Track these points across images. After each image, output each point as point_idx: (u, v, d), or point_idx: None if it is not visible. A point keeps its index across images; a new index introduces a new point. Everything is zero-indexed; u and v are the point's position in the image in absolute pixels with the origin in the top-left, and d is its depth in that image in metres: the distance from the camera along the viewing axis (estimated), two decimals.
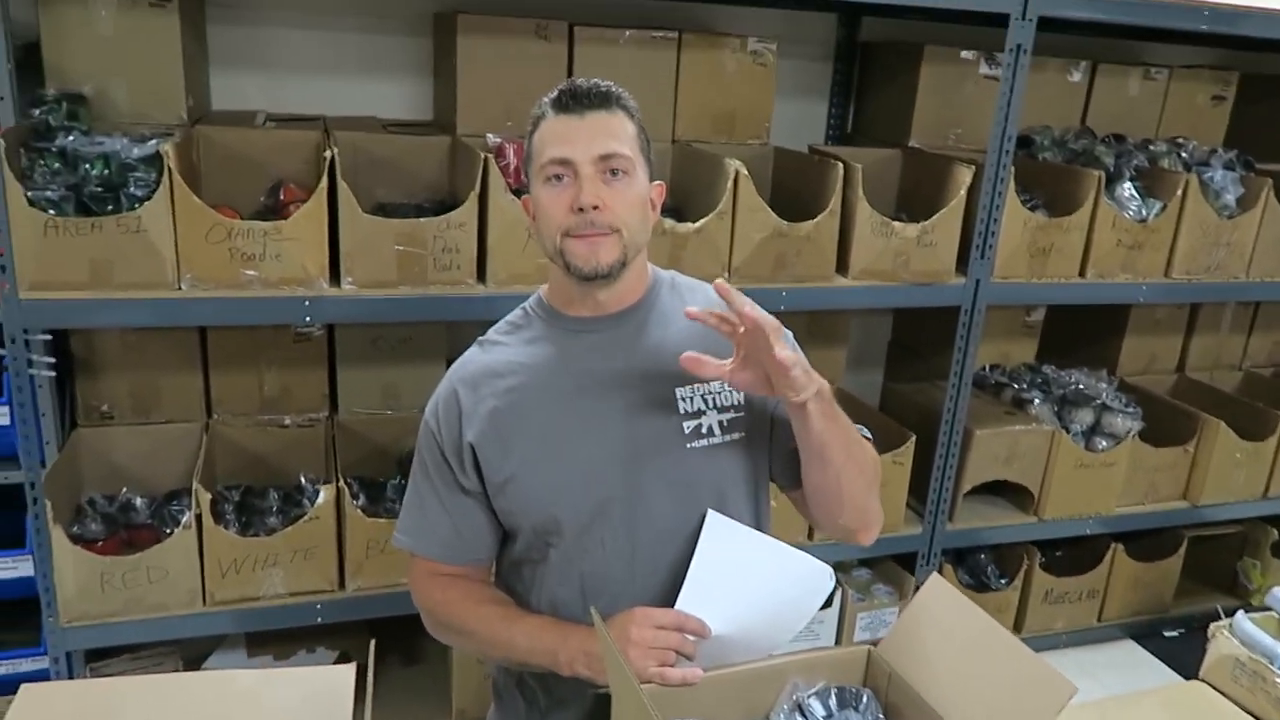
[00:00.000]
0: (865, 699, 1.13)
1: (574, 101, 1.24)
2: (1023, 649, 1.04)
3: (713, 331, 1.33)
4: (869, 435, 1.41)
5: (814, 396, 1.19)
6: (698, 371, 1.22)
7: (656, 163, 1.38)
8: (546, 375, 1.32)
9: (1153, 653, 3.09)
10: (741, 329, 1.17)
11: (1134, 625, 3.16)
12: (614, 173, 1.24)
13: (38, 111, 2.06)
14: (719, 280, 1.19)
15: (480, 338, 1.40)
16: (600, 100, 1.25)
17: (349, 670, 1.03)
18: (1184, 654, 3.05)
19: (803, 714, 1.14)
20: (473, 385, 1.33)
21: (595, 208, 1.23)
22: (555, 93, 1.27)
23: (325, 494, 2.14)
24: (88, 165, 1.98)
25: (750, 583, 1.26)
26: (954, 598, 1.14)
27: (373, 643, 1.00)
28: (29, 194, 1.86)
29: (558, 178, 1.24)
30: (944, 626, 1.13)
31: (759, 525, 1.38)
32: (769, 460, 1.41)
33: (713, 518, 1.25)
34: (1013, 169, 2.49)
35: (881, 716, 1.13)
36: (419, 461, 1.37)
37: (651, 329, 1.35)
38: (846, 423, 1.29)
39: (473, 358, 1.37)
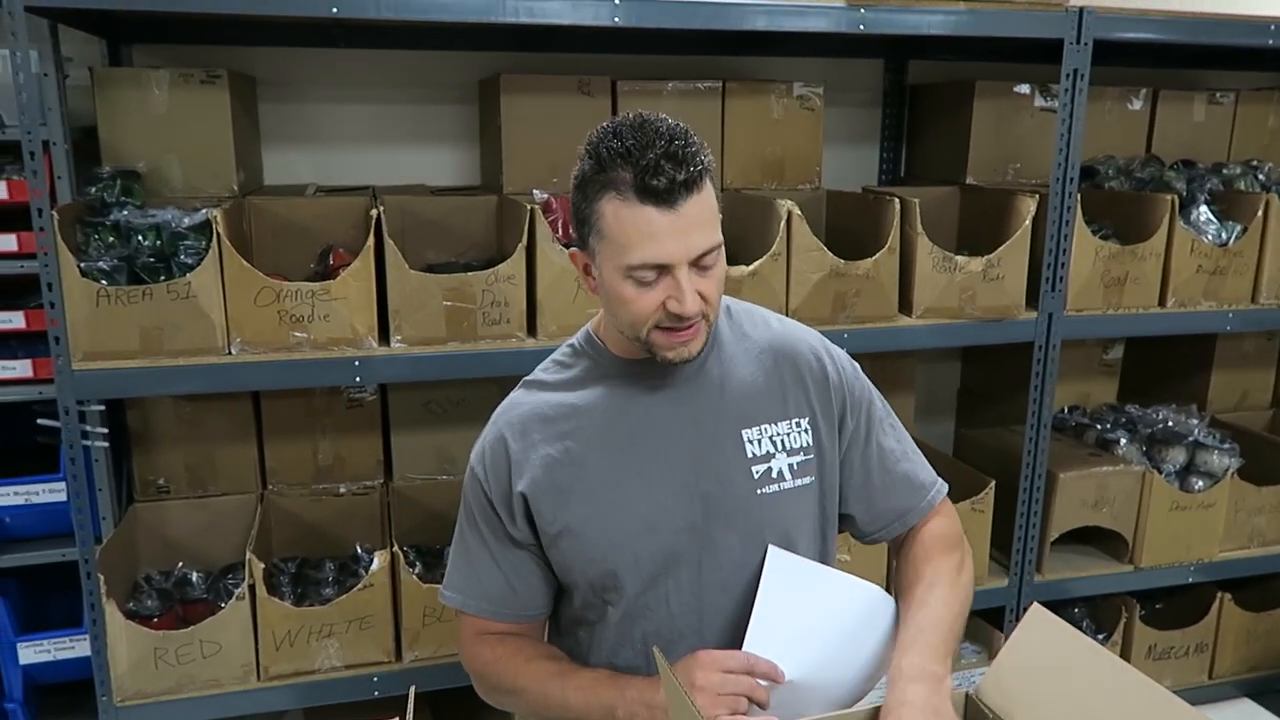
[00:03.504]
0: None
1: (667, 193, 1.07)
2: (1147, 682, 0.91)
3: (776, 368, 1.26)
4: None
5: None
6: None
7: None
8: (603, 419, 1.24)
9: (1273, 711, 2.83)
10: None
11: (1250, 682, 2.90)
12: (706, 264, 1.14)
13: (93, 189, 2.10)
14: None
15: (525, 378, 1.32)
16: (692, 184, 1.09)
17: None
18: None
19: None
20: (521, 431, 1.25)
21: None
22: (635, 169, 1.07)
23: (379, 560, 2.08)
24: (139, 237, 2.00)
25: (821, 622, 1.15)
26: (1059, 628, 1.01)
27: (413, 690, 0.91)
28: (81, 265, 1.87)
29: (647, 279, 1.12)
30: (1050, 661, 1.01)
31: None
32: (843, 507, 1.33)
33: (775, 553, 1.15)
34: (1079, 198, 2.39)
35: None
36: (465, 513, 1.29)
37: (712, 367, 1.26)
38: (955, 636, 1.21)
39: (520, 400, 1.29)
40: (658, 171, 1.06)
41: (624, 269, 1.12)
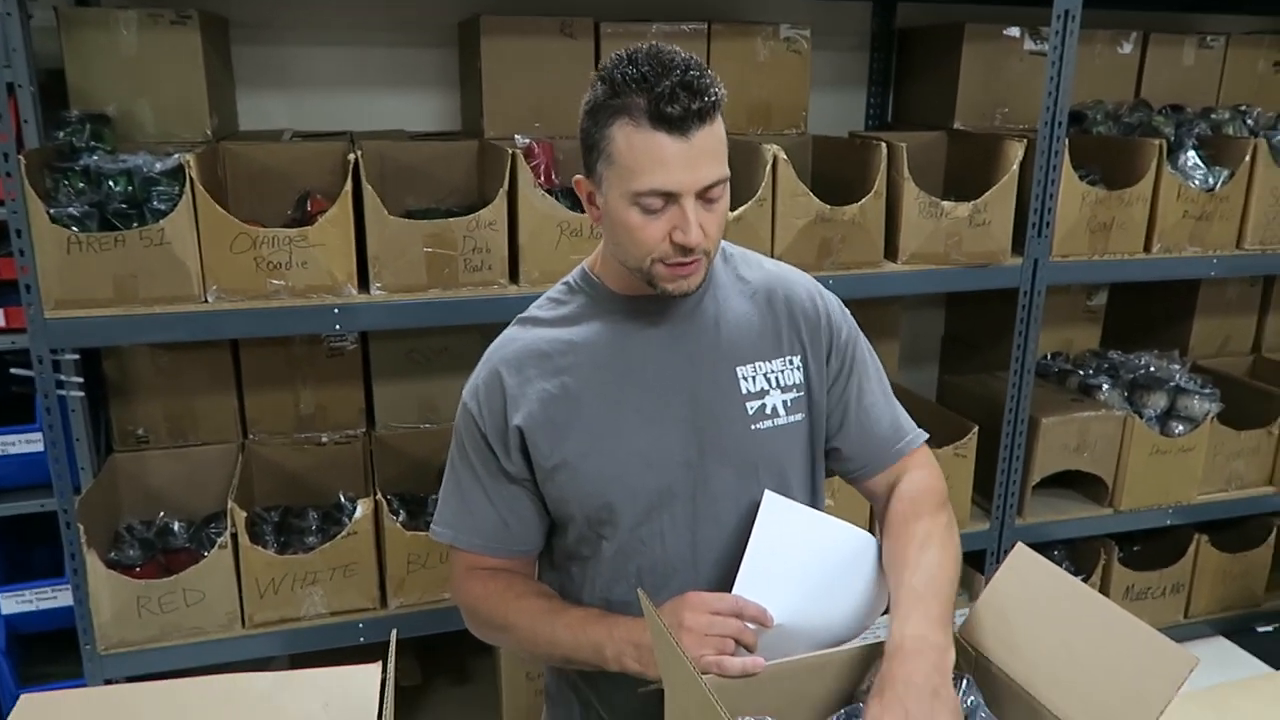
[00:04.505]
0: (965, 683, 1.01)
1: (680, 121, 1.06)
2: (1129, 619, 0.91)
3: (770, 307, 1.25)
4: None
5: None
6: None
7: None
8: (599, 355, 1.23)
9: (1246, 649, 2.89)
10: None
11: (1224, 621, 2.96)
12: (713, 198, 1.13)
13: (61, 134, 2.05)
14: None
15: (520, 315, 1.30)
16: (705, 114, 1.07)
17: (373, 671, 0.94)
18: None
19: None
20: (517, 366, 1.24)
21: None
22: (649, 95, 1.05)
23: (363, 508, 2.07)
24: (110, 182, 1.95)
25: (813, 568, 1.15)
26: (1042, 567, 1.02)
27: (394, 633, 0.90)
28: (51, 211, 1.82)
29: (654, 207, 1.11)
30: (1034, 600, 1.01)
31: (815, 506, 1.28)
32: (826, 442, 1.32)
33: (770, 498, 1.15)
34: (1066, 142, 2.37)
35: (983, 704, 1.00)
36: (458, 448, 1.28)
37: (708, 304, 1.26)
38: (952, 600, 1.17)
39: (515, 336, 1.27)
40: (673, 99, 1.05)
41: (631, 195, 1.11)
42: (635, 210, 1.11)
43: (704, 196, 1.11)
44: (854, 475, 1.36)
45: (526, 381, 1.23)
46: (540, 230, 2.05)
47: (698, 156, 1.08)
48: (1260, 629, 3.00)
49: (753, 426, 1.22)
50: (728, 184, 1.14)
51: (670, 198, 1.10)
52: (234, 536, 2.00)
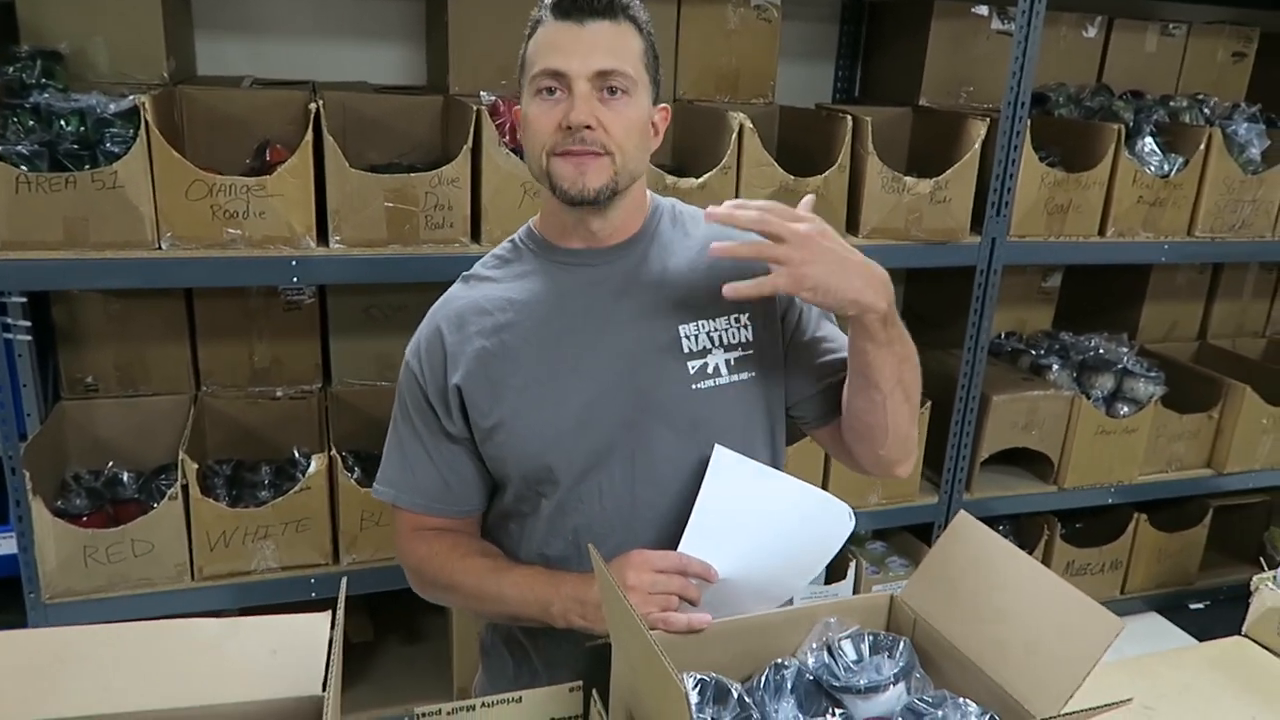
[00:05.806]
0: (902, 646, 1.03)
1: (576, 11, 1.12)
2: (1061, 584, 0.94)
3: (716, 263, 1.24)
4: None
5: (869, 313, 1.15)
6: (736, 296, 1.11)
7: None
8: (539, 313, 1.22)
9: (1178, 625, 2.99)
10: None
11: (1158, 598, 3.06)
12: (612, 91, 1.13)
13: (10, 69, 1.99)
14: (710, 208, 1.12)
15: (465, 273, 1.30)
16: (605, 8, 1.13)
17: (322, 620, 0.94)
18: (1210, 626, 2.96)
19: (831, 654, 1.04)
20: (458, 324, 1.23)
21: (587, 127, 1.12)
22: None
23: (317, 463, 2.06)
24: (62, 122, 1.90)
25: (760, 523, 1.16)
26: (983, 534, 1.05)
27: (344, 580, 0.90)
28: None
29: (549, 91, 1.13)
30: (973, 566, 1.04)
31: (774, 466, 1.28)
32: (790, 399, 1.31)
33: (720, 452, 1.16)
34: (1028, 123, 2.39)
35: (919, 666, 1.03)
36: (400, 406, 1.28)
37: (652, 262, 1.25)
38: (903, 343, 1.21)
39: (457, 294, 1.27)
40: None
41: (529, 84, 1.15)
42: (535, 101, 1.15)
43: (601, 87, 1.13)
44: (825, 424, 1.32)
45: (467, 339, 1.22)
46: (503, 189, 2.04)
47: (593, 45, 1.12)
48: (1192, 606, 3.11)
49: (694, 386, 1.22)
50: (638, 92, 1.16)
51: (560, 79, 1.12)
52: (184, 488, 1.98)
